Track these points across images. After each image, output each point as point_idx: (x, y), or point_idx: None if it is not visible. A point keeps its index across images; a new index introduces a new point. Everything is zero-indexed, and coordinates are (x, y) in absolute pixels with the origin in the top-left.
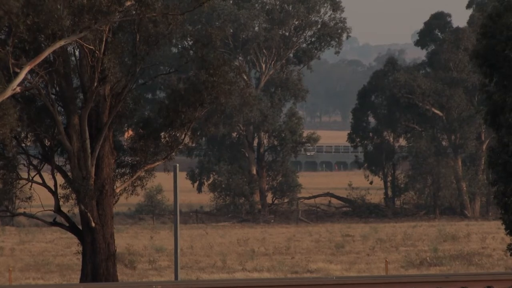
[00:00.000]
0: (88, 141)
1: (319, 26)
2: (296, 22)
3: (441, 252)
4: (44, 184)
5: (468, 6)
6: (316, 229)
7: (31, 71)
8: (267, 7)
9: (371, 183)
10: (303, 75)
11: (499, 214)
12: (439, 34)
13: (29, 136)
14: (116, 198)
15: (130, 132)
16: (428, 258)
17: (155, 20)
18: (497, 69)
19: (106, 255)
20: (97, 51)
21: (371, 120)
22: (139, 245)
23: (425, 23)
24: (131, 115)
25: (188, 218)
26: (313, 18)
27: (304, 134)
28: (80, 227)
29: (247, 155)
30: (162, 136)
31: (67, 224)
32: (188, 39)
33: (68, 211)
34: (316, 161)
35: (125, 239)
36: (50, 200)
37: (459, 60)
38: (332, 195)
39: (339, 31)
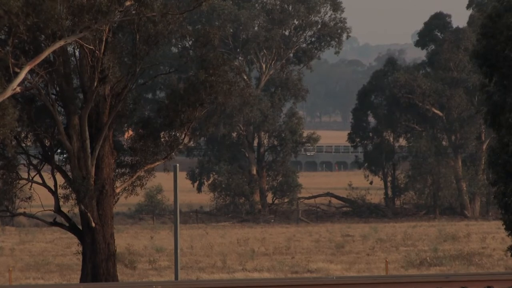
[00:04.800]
0: (88, 141)
1: (319, 26)
2: (296, 22)
3: (441, 252)
4: (44, 184)
5: (468, 6)
6: (316, 229)
7: (31, 71)
8: (267, 7)
9: (371, 183)
10: (303, 75)
11: (499, 214)
12: (439, 34)
13: (29, 136)
14: (116, 198)
15: (130, 132)
16: (428, 258)
17: (155, 20)
18: (497, 69)
19: (106, 255)
20: (97, 51)
21: (371, 120)
22: (139, 245)
23: (425, 23)
24: (131, 115)
25: (188, 218)
26: (313, 18)
27: (304, 134)
28: (80, 227)
29: (247, 155)
30: (162, 136)
31: (67, 224)
32: (188, 38)
33: (68, 211)
34: (316, 161)
35: (125, 239)
36: (50, 200)
37: (459, 60)
38: (332, 195)
39: (339, 31)
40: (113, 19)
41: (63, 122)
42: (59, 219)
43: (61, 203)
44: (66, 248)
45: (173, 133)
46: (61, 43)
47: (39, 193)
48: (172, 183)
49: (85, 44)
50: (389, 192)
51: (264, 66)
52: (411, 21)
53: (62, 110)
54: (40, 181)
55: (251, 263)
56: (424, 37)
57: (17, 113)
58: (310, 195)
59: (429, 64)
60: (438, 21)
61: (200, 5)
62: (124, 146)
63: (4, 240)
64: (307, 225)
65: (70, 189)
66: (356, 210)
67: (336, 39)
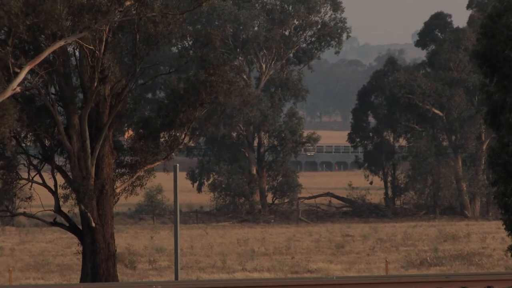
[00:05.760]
0: (88, 141)
1: (319, 26)
2: (296, 22)
3: (441, 252)
4: (44, 184)
5: (468, 6)
6: (316, 229)
7: (31, 71)
8: (267, 7)
9: (371, 183)
10: (303, 75)
11: (499, 214)
12: (439, 34)
13: (29, 136)
14: (116, 198)
15: (130, 132)
16: (428, 258)
17: (155, 20)
18: (497, 69)
19: (106, 255)
20: (97, 51)
21: (371, 120)
22: (139, 245)
23: (425, 23)
24: (131, 115)
25: (188, 218)
26: (313, 18)
27: (304, 134)
28: (80, 227)
29: (247, 155)
30: (162, 136)
31: (67, 224)
32: (188, 39)
33: (68, 211)
34: (316, 161)
35: (125, 239)
36: (50, 200)
37: (459, 60)
38: (332, 195)
39: (339, 31)
40: (113, 19)
41: (63, 122)
42: (59, 219)
43: (61, 203)
44: (66, 248)
45: (173, 133)
46: (61, 43)
47: (39, 193)
48: (172, 183)
49: (85, 44)
50: (389, 192)
51: (264, 66)
52: (411, 21)
53: (62, 110)
54: (40, 181)
55: (251, 263)
56: (424, 37)
57: (17, 113)
58: (310, 195)
59: (429, 64)
60: (438, 21)
61: (200, 5)
62: (124, 146)
63: (4, 240)
64: (307, 225)
65: (70, 189)
66: (356, 210)
67: (336, 39)
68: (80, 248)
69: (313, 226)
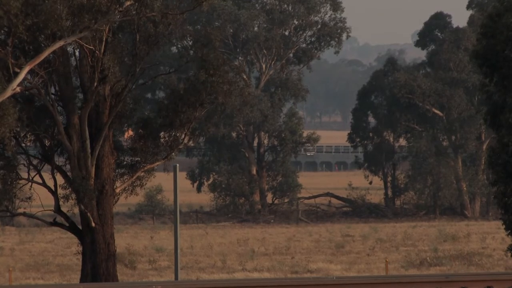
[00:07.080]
0: (88, 141)
1: (319, 26)
2: (296, 22)
3: (441, 252)
4: (44, 184)
5: (468, 6)
6: (316, 229)
7: (31, 71)
8: (267, 7)
9: (370, 183)
10: (303, 75)
11: (499, 214)
12: (439, 34)
13: (29, 136)
14: (116, 198)
15: (130, 132)
16: (428, 258)
17: (155, 20)
18: (497, 69)
19: (106, 255)
20: (97, 51)
21: (371, 120)
22: (139, 245)
23: (425, 24)
24: (131, 115)
25: (188, 218)
26: (313, 18)
27: (304, 134)
28: (80, 227)
29: (247, 155)
30: (162, 136)
31: (67, 224)
32: (188, 39)
33: (68, 211)
34: (316, 161)
35: (125, 239)
36: (50, 200)
37: (459, 60)
38: (332, 195)
39: (339, 31)
40: (113, 19)
41: (63, 122)
42: (59, 219)
43: (61, 203)
44: (66, 248)
45: (173, 133)
46: (61, 43)
47: (39, 193)
48: (172, 183)
49: (85, 44)
50: (389, 192)
51: (264, 66)
52: (411, 21)
53: (62, 110)
54: (40, 181)
55: (251, 263)
56: (424, 37)
57: (17, 113)
58: (310, 195)
59: (429, 64)
60: (438, 21)
61: (200, 5)
62: (124, 146)
63: (4, 240)
64: (307, 225)
65: (70, 189)
66: (356, 210)
67: (336, 39)
68: (80, 248)
69: (313, 226)
